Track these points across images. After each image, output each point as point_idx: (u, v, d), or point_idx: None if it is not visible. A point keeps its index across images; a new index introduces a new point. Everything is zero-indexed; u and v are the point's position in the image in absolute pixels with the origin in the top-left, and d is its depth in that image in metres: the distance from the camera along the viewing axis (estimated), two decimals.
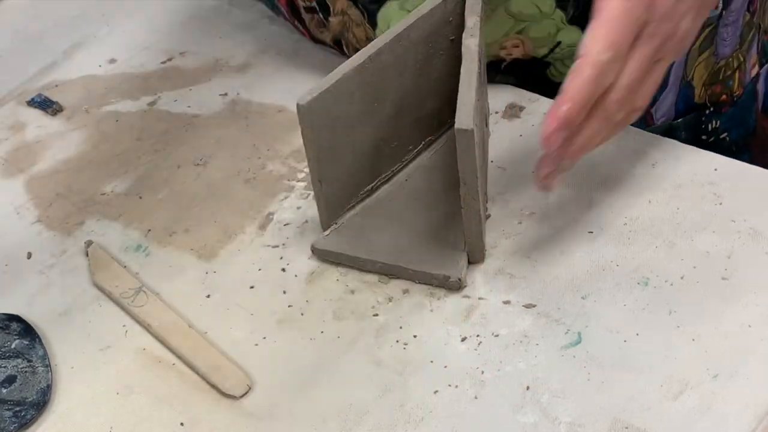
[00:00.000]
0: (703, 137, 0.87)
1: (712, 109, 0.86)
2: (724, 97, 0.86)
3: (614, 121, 0.65)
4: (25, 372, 0.65)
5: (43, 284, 0.72)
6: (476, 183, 0.64)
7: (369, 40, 0.80)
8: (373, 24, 0.81)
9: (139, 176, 0.79)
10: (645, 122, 0.82)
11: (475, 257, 0.68)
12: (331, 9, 0.83)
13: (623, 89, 0.63)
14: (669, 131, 0.84)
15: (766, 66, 0.90)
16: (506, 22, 0.78)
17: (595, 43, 0.62)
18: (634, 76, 0.63)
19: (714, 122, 0.87)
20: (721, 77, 0.86)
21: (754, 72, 0.89)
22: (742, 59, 0.86)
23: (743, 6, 0.84)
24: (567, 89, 0.61)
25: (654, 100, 0.82)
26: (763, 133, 0.92)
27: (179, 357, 0.66)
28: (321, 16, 0.83)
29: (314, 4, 0.83)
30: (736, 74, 0.87)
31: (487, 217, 0.71)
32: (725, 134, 0.88)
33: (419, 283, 0.68)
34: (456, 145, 0.62)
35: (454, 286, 0.67)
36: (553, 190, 0.67)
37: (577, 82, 0.61)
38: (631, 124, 0.69)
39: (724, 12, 0.83)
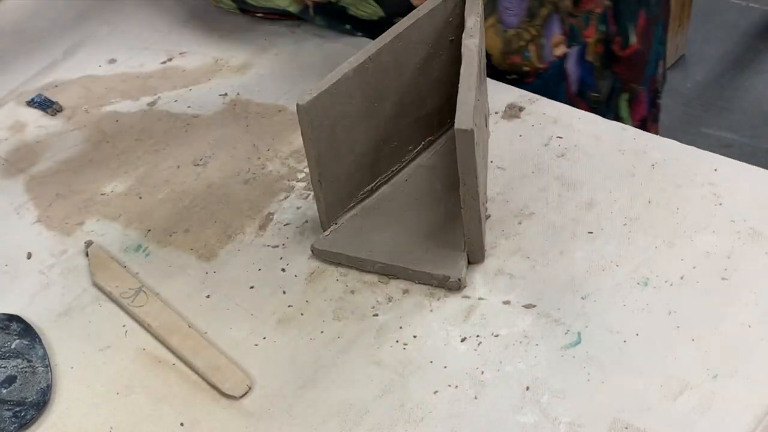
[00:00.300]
0: None
1: (515, 77, 0.87)
2: (526, 68, 0.87)
3: None
4: (25, 372, 0.65)
5: (43, 284, 0.72)
6: (476, 183, 0.64)
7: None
8: None
9: (139, 176, 0.79)
10: None
11: (475, 257, 0.68)
12: None
13: None
14: None
15: (575, 48, 0.91)
16: None
17: None
18: None
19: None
20: (515, 47, 0.87)
21: (559, 51, 0.90)
22: (535, 33, 0.87)
23: None
24: None
25: None
26: None
27: (179, 357, 0.66)
28: None
29: None
30: (532, 47, 0.88)
31: (487, 217, 0.71)
32: None
33: (419, 283, 0.68)
34: (456, 145, 0.62)
35: (454, 286, 0.67)
36: None
37: None
38: None
39: None
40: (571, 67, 0.91)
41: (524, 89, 0.84)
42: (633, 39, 0.94)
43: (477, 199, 0.65)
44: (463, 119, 0.61)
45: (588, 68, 0.92)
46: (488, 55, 0.85)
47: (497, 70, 0.86)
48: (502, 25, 0.86)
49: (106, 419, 0.63)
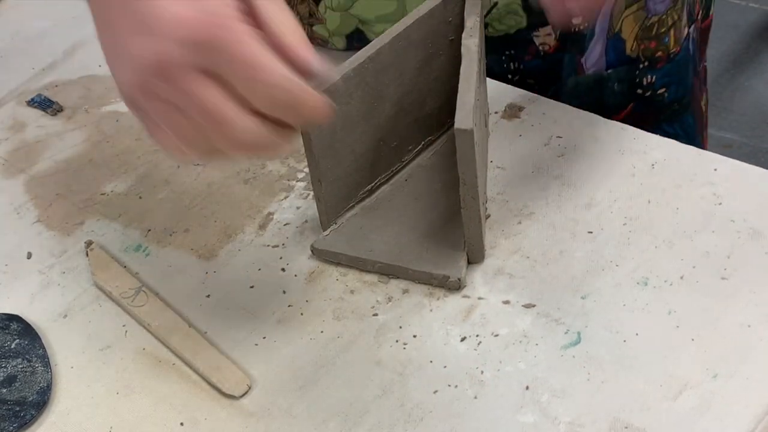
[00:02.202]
0: (639, 91, 0.88)
1: (646, 63, 0.87)
2: (660, 53, 0.87)
3: None
4: (25, 372, 0.65)
5: (43, 284, 0.72)
6: (476, 183, 0.64)
7: (312, 16, 0.82)
8: (317, 0, 0.83)
9: (139, 176, 0.79)
10: (576, 72, 0.84)
11: (475, 257, 0.68)
12: None
13: None
14: (600, 81, 0.85)
15: (693, 26, 0.91)
16: None
17: None
18: None
19: (649, 77, 0.87)
20: (654, 33, 0.86)
21: (685, 32, 0.90)
22: (676, 17, 0.87)
23: None
24: None
25: (582, 50, 0.84)
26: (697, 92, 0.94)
27: (179, 357, 0.66)
28: None
29: None
30: (672, 31, 0.87)
31: (487, 217, 0.71)
32: (663, 90, 0.89)
33: (419, 283, 0.68)
34: (456, 145, 0.62)
35: (454, 285, 0.67)
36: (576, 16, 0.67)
37: None
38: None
39: None
40: (691, 46, 0.91)
41: (653, 74, 0.84)
42: (712, 10, 0.94)
43: (477, 199, 0.65)
44: (462, 119, 0.61)
45: (695, 45, 0.92)
46: (623, 41, 0.84)
47: (627, 57, 0.86)
48: (645, 11, 0.85)
49: (106, 419, 0.63)
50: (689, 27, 0.90)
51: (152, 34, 0.51)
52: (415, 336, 0.65)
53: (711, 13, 0.95)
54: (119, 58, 0.54)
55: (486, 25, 0.82)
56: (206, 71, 0.51)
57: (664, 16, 0.86)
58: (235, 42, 0.50)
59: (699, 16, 0.93)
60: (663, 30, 0.87)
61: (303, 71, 0.53)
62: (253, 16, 0.52)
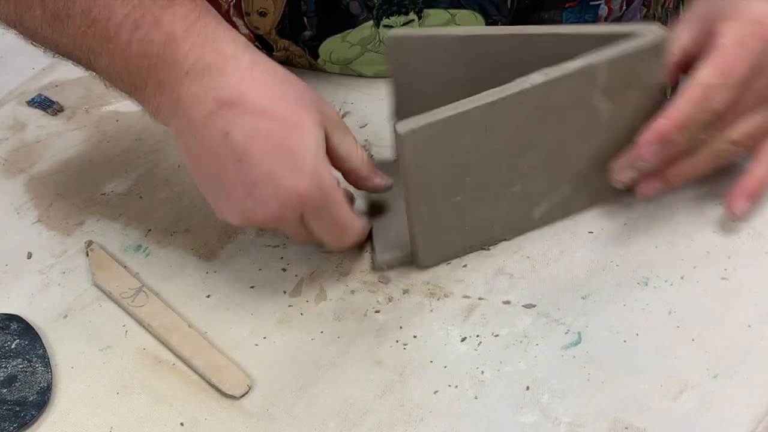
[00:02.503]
0: None
1: None
2: None
3: (717, 150, 0.67)
4: (25, 372, 0.65)
5: (43, 284, 0.72)
6: (414, 188, 0.63)
7: (312, 66, 0.85)
8: (315, 56, 0.84)
9: (139, 176, 0.79)
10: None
11: (415, 259, 0.68)
12: (274, 47, 0.85)
13: (729, 118, 0.65)
14: None
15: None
16: None
17: (705, 68, 0.64)
18: (747, 105, 0.65)
19: None
20: None
21: None
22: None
23: (639, 2, 0.87)
24: (670, 107, 0.64)
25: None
26: None
27: (179, 357, 0.66)
28: (265, 52, 0.82)
29: (257, 43, 0.84)
30: None
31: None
32: None
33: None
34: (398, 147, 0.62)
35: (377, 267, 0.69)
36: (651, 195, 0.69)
37: (678, 102, 0.64)
38: None
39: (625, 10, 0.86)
40: None
41: None
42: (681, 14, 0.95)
43: (414, 204, 0.64)
44: (403, 124, 0.61)
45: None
46: None
47: None
48: None
49: (106, 419, 0.63)
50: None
51: (270, 200, 0.62)
52: (415, 336, 0.65)
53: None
54: (227, 204, 0.64)
55: None
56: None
57: None
58: (335, 205, 0.64)
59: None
60: None
61: (373, 189, 0.69)
62: (331, 151, 0.64)
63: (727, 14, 0.66)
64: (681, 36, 0.68)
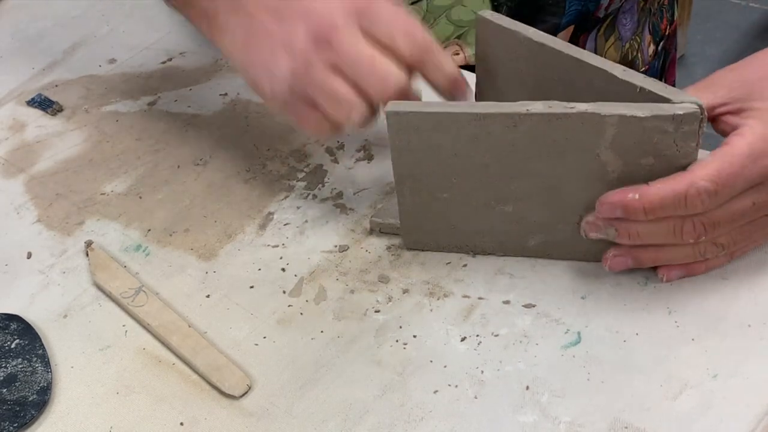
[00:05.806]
0: None
1: None
2: None
3: (690, 252, 0.63)
4: (25, 372, 0.65)
5: (43, 284, 0.72)
6: (399, 168, 0.66)
7: None
8: None
9: (139, 176, 0.79)
10: None
11: (401, 236, 0.70)
12: None
13: (708, 222, 0.61)
14: None
15: (661, 42, 0.95)
16: (447, 28, 0.83)
17: (703, 168, 0.60)
18: (730, 217, 0.61)
19: None
20: (630, 58, 0.90)
21: (651, 50, 0.92)
22: (639, 39, 0.90)
23: None
24: (650, 184, 0.60)
25: None
26: None
27: (179, 357, 0.66)
28: None
29: None
30: (639, 54, 0.91)
31: None
32: None
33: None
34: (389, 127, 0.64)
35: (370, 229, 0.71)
36: (616, 269, 0.65)
37: (661, 186, 0.60)
38: None
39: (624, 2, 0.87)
40: (656, 63, 0.95)
41: None
42: (676, 16, 0.97)
43: (396, 182, 0.66)
44: (396, 104, 0.63)
45: (660, 60, 0.96)
46: None
47: None
48: (620, 41, 0.88)
49: (106, 419, 0.63)
50: (657, 45, 0.91)
51: (312, 14, 0.62)
52: (415, 336, 0.65)
53: (675, 19, 0.98)
54: (272, 57, 0.63)
55: None
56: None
57: (632, 41, 0.88)
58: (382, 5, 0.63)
59: (667, 32, 0.94)
60: (634, 54, 0.90)
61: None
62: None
63: (763, 95, 0.63)
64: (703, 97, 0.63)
